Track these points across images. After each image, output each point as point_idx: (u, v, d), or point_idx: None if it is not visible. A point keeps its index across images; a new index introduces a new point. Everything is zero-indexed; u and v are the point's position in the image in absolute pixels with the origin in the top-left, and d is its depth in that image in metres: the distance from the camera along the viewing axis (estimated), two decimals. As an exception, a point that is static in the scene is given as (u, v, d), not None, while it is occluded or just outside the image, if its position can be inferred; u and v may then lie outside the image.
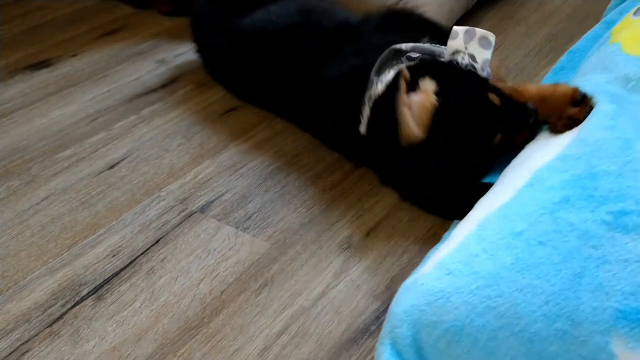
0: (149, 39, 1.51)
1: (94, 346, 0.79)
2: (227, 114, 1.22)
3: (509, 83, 1.09)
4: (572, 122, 0.89)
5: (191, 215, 0.98)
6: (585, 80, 1.01)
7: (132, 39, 1.50)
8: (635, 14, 1.13)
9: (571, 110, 0.92)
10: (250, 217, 0.98)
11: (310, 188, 1.03)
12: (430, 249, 0.82)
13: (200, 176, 1.06)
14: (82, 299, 0.85)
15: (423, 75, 0.92)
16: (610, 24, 1.19)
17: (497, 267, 0.68)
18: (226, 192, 1.02)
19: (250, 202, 1.01)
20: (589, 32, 1.24)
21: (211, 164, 1.09)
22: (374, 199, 1.02)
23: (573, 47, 1.23)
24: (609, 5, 1.31)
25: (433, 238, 0.93)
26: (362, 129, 0.98)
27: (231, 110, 1.23)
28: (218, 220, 0.97)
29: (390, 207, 1.00)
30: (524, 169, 0.86)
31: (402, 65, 0.97)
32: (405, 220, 0.97)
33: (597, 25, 1.25)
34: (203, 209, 0.99)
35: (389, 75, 0.97)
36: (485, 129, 0.95)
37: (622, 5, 1.25)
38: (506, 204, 0.76)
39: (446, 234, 0.87)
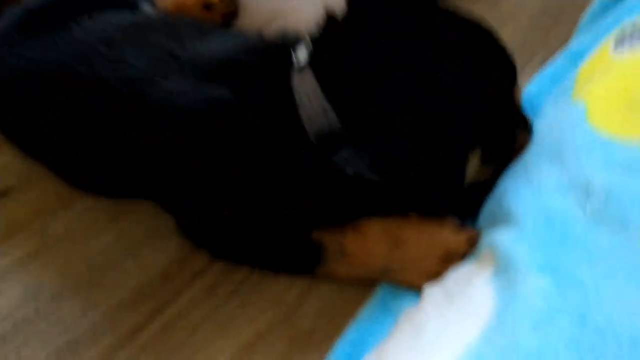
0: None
1: None
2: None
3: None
4: None
5: None
6: (522, 188, 0.59)
7: None
8: (617, 46, 0.70)
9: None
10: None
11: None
12: None
13: None
14: None
15: None
16: (577, 57, 0.76)
17: None
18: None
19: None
20: (548, 68, 0.80)
21: None
22: None
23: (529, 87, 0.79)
24: (589, 8, 0.87)
25: None
26: None
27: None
28: None
29: None
30: None
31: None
32: None
33: (561, 56, 0.81)
34: None
35: None
36: None
37: (604, 19, 0.81)
38: None
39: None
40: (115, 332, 0.64)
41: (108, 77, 0.69)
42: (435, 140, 0.57)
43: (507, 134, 0.65)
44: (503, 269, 0.50)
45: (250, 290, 0.66)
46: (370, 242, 0.63)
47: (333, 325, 0.62)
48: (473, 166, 0.61)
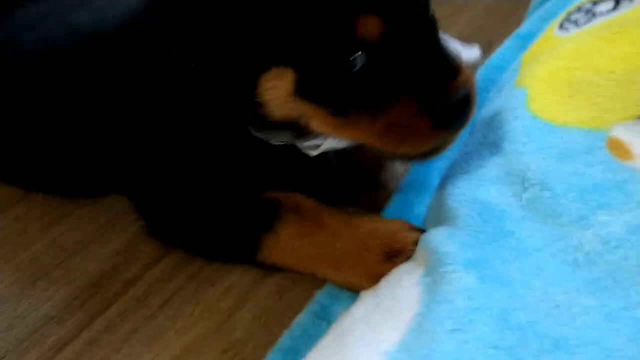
0: None
1: None
2: None
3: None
4: None
5: None
6: (460, 179, 0.55)
7: None
8: (561, 26, 0.66)
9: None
10: None
11: None
12: None
13: None
14: None
15: None
16: (525, 41, 0.72)
17: None
18: None
19: None
20: (495, 55, 0.76)
21: None
22: None
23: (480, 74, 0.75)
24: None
25: None
26: None
27: None
28: None
29: None
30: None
31: None
32: None
33: (511, 37, 0.78)
34: None
35: None
36: None
37: (553, 1, 0.77)
38: None
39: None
40: (38, 347, 0.60)
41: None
42: None
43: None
44: (432, 269, 0.47)
45: (185, 300, 0.63)
46: (325, 211, 0.60)
47: (268, 333, 0.58)
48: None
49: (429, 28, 0.53)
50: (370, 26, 0.48)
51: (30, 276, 0.67)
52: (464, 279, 0.43)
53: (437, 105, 0.51)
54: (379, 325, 0.45)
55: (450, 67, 0.52)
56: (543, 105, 0.57)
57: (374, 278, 0.54)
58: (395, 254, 0.55)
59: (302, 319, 0.57)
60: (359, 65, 0.50)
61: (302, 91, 0.52)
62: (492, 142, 0.58)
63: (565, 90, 0.56)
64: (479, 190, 0.53)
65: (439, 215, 0.56)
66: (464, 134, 0.58)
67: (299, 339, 0.55)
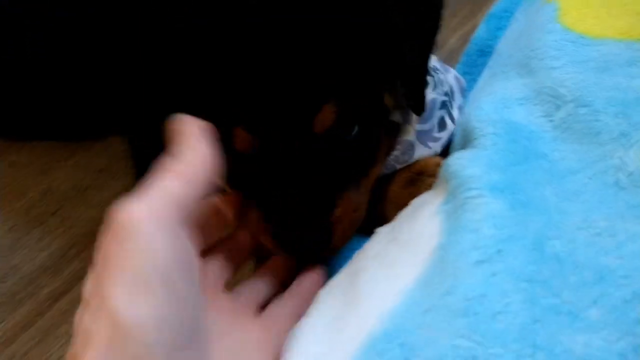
0: None
1: None
2: None
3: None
4: None
5: None
6: (484, 101, 0.49)
7: None
8: None
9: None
10: None
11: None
12: None
13: None
14: None
15: None
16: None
17: None
18: None
19: None
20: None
21: None
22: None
23: (495, 7, 0.68)
24: None
25: None
26: None
27: None
28: None
29: None
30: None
31: None
32: None
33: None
34: None
35: None
36: None
37: None
38: None
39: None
40: (35, 298, 0.57)
41: None
42: None
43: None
44: (453, 195, 0.42)
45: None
46: None
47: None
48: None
49: (319, 145, 0.44)
50: (241, 142, 0.43)
51: (25, 225, 0.63)
52: (490, 205, 0.37)
53: (278, 231, 0.44)
54: (395, 261, 0.40)
55: (317, 204, 0.44)
56: (576, 18, 0.51)
57: (399, 207, 0.50)
58: (416, 177, 0.51)
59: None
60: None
61: None
62: (518, 61, 0.52)
63: (600, 5, 0.50)
64: (505, 112, 0.47)
65: (463, 142, 0.50)
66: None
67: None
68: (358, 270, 0.43)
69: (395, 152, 0.53)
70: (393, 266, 0.40)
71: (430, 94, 0.55)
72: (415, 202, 0.47)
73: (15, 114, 0.71)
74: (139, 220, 0.32)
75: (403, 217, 0.46)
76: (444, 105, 0.56)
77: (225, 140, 0.41)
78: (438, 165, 0.51)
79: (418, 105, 0.50)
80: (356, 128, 0.46)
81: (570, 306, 0.32)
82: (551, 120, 0.44)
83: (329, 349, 0.37)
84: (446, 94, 0.57)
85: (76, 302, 0.56)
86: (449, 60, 0.73)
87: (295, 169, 0.44)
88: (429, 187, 0.49)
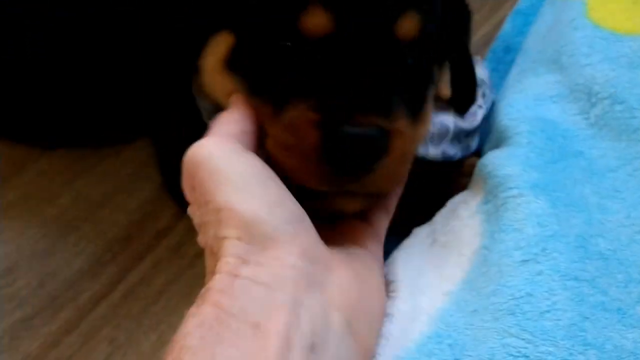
0: None
1: None
2: None
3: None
4: None
5: None
6: (515, 98, 0.50)
7: None
8: None
9: None
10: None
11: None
12: None
13: None
14: None
15: None
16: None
17: None
18: None
19: None
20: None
21: None
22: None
23: (521, 4, 0.68)
24: None
25: None
26: None
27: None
28: None
29: None
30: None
31: None
32: None
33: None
34: None
35: None
36: None
37: None
38: None
39: None
40: (74, 303, 0.58)
41: None
42: None
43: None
44: (492, 195, 0.42)
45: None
46: None
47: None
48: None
49: (393, 51, 0.40)
50: (316, 21, 0.38)
51: (59, 231, 0.64)
52: (532, 204, 0.38)
53: (335, 125, 0.37)
54: (439, 263, 0.41)
55: (381, 102, 0.39)
56: (605, 13, 0.51)
57: None
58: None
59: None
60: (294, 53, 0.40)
61: (233, 62, 0.43)
62: (548, 57, 0.53)
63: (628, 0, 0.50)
64: (538, 109, 0.47)
65: (497, 140, 0.51)
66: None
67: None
68: (403, 269, 0.43)
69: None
70: (438, 268, 0.40)
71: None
72: (452, 203, 0.48)
73: (42, 123, 0.71)
74: (209, 150, 0.36)
75: (440, 218, 0.47)
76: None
77: (288, 27, 0.38)
78: (472, 165, 0.52)
79: (465, 101, 0.48)
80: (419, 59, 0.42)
81: (618, 303, 0.33)
82: (586, 118, 0.45)
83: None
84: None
85: (116, 305, 0.59)
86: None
87: (365, 66, 0.38)
88: (463, 188, 0.49)
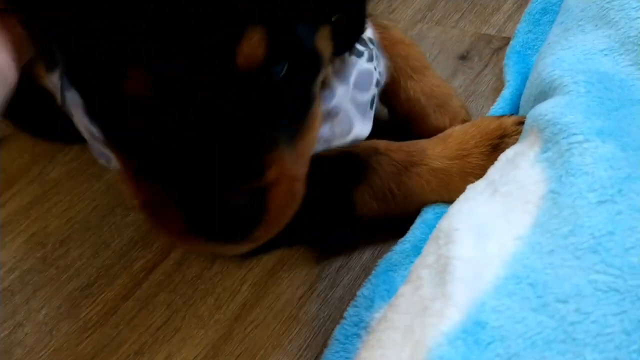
0: None
1: None
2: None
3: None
4: None
5: None
6: (564, 54, 0.50)
7: None
8: None
9: None
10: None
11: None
12: None
13: None
14: None
15: None
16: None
17: None
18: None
19: None
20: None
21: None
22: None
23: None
24: None
25: None
26: None
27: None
28: None
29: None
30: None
31: None
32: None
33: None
34: None
35: None
36: None
37: None
38: None
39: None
40: (129, 271, 0.59)
41: None
42: None
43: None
44: (553, 143, 0.43)
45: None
46: (402, 144, 0.54)
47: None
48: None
49: (241, 89, 0.34)
50: (137, 81, 0.34)
51: (107, 204, 0.65)
52: (600, 148, 0.39)
53: (193, 207, 0.35)
54: (505, 211, 0.41)
55: (242, 163, 0.35)
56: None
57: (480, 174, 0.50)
58: (499, 142, 0.52)
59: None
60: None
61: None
62: (593, 14, 0.53)
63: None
64: (590, 63, 0.48)
65: (540, 93, 0.51)
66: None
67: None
68: (465, 218, 0.43)
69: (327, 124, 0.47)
70: (504, 215, 0.41)
71: (366, 64, 0.51)
72: (504, 156, 0.48)
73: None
74: None
75: (496, 170, 0.47)
76: (378, 84, 0.53)
77: (113, 87, 0.34)
78: (516, 123, 0.52)
79: (352, 38, 0.44)
80: (285, 66, 0.36)
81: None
82: (640, 69, 0.45)
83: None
84: (380, 74, 0.54)
85: (169, 272, 0.59)
86: (507, 23, 0.74)
87: (207, 117, 0.33)
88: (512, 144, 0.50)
